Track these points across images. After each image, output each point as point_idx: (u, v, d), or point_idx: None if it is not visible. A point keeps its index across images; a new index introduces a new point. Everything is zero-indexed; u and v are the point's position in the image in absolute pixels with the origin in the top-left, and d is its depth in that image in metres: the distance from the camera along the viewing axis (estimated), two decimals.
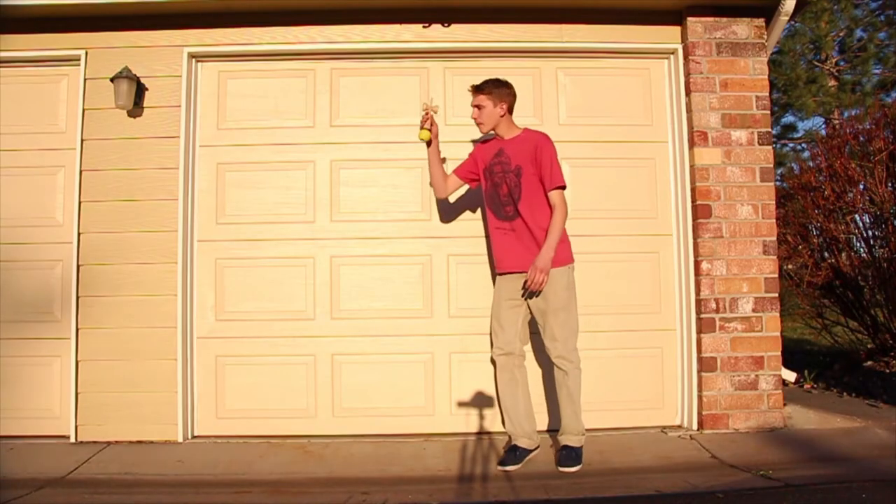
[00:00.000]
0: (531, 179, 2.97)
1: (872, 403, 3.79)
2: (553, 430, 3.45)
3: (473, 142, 3.51)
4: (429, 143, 3.15)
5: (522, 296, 3.00)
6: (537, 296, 2.96)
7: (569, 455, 2.95)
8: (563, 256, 2.98)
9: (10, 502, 2.60)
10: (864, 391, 4.06)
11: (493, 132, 3.13)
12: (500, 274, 3.11)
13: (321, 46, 3.63)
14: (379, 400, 3.57)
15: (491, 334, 3.18)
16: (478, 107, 3.05)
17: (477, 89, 3.05)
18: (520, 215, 2.99)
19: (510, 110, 3.07)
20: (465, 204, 3.67)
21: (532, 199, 2.97)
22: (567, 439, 2.99)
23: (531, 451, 3.05)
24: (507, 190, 3.03)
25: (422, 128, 3.08)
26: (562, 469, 2.92)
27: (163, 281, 3.47)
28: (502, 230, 3.06)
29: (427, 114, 3.10)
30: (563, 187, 2.95)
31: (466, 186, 3.39)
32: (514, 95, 3.08)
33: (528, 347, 3.30)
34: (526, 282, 2.88)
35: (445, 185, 3.26)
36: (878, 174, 4.46)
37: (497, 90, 3.02)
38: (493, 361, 3.16)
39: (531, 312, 3.04)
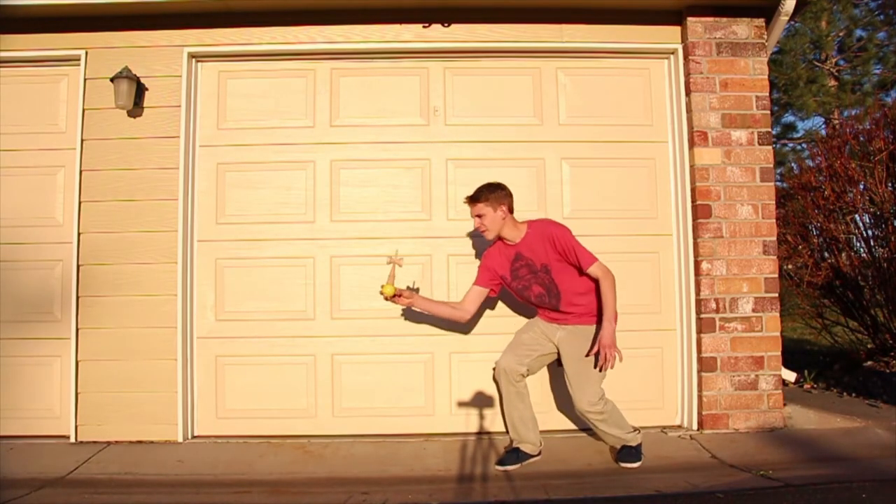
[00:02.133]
0: (561, 268, 2.96)
1: (872, 403, 3.79)
2: (554, 430, 3.45)
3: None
4: (392, 298, 3.01)
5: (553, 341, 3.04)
6: (569, 340, 2.98)
7: (628, 452, 2.99)
8: (595, 317, 2.99)
9: (9, 502, 2.60)
10: (864, 391, 4.06)
11: (500, 238, 3.05)
12: (540, 318, 3.14)
13: (321, 46, 3.63)
14: (379, 400, 3.57)
15: (507, 348, 3.13)
16: (479, 216, 2.99)
17: (473, 199, 2.99)
18: (561, 303, 3.00)
19: (510, 210, 3.02)
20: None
21: (569, 285, 2.97)
22: (623, 443, 3.02)
23: (533, 456, 3.04)
24: (541, 290, 3.01)
25: (387, 283, 2.98)
26: (621, 464, 2.97)
27: (163, 281, 3.47)
28: (545, 312, 3.10)
29: (392, 268, 3.02)
30: (596, 261, 2.92)
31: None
32: (510, 195, 3.02)
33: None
34: (597, 360, 2.87)
35: (462, 307, 3.13)
36: (878, 174, 4.46)
37: (493, 195, 2.96)
38: (495, 371, 3.13)
39: (559, 358, 3.05)
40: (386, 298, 3.02)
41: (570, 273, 2.97)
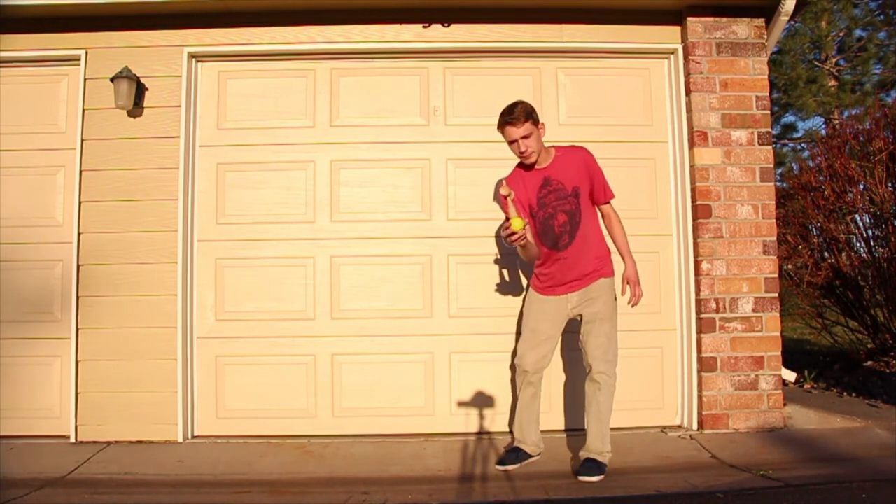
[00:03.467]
0: (587, 199, 2.89)
1: (872, 403, 3.79)
2: (554, 430, 3.45)
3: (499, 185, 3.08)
4: (523, 228, 2.69)
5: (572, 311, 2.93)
6: (587, 302, 2.89)
7: (591, 466, 2.81)
8: (609, 267, 2.95)
9: (10, 502, 2.60)
10: (864, 391, 4.06)
11: (528, 161, 2.85)
12: (546, 296, 2.96)
13: (321, 46, 3.63)
14: (379, 400, 3.57)
15: (518, 346, 3.02)
16: (525, 137, 2.74)
17: (514, 120, 2.73)
18: (573, 242, 2.86)
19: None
20: (466, 203, 3.67)
21: (588, 220, 2.89)
22: (592, 455, 2.85)
23: (533, 456, 3.04)
24: (564, 219, 2.86)
25: (514, 216, 2.68)
26: (581, 478, 2.76)
27: (163, 281, 3.47)
28: (553, 260, 2.89)
29: (508, 202, 2.73)
30: (613, 196, 2.94)
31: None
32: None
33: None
34: (629, 300, 2.89)
35: (537, 244, 2.91)
36: (878, 174, 4.46)
37: (533, 114, 2.77)
38: (513, 370, 3.09)
39: (581, 319, 2.92)
40: (520, 230, 2.64)
41: (590, 209, 2.92)
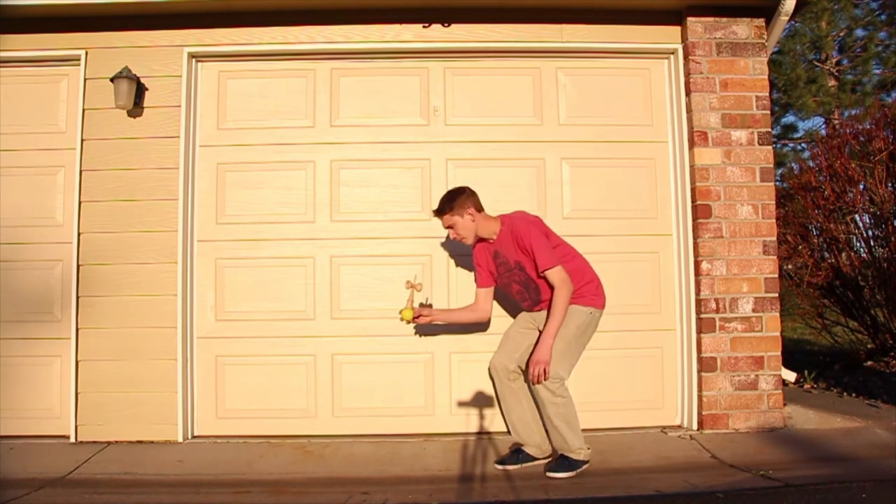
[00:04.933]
0: (533, 266, 2.90)
1: (872, 403, 3.79)
2: None
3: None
4: (412, 320, 3.06)
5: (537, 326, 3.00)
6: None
7: (560, 463, 2.87)
8: (586, 299, 2.92)
9: (9, 502, 2.60)
10: (864, 391, 4.06)
11: (481, 238, 3.05)
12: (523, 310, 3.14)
13: (321, 46, 3.63)
14: (379, 400, 3.56)
15: (497, 347, 3.15)
16: (450, 227, 3.00)
17: (439, 213, 2.98)
18: (538, 304, 2.98)
19: (479, 209, 2.99)
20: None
21: (545, 282, 2.89)
22: (564, 453, 2.90)
23: (537, 458, 3.00)
24: (519, 287, 3.01)
25: (405, 308, 3.03)
26: (548, 473, 2.84)
27: (163, 281, 3.47)
28: (531, 310, 3.07)
29: (411, 293, 3.06)
30: (554, 266, 2.82)
31: None
32: (472, 195, 3.00)
33: None
34: (528, 365, 2.84)
35: (478, 308, 3.15)
36: (878, 174, 4.47)
37: (456, 202, 2.94)
38: (489, 371, 3.15)
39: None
40: (407, 323, 3.07)
41: None
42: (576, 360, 2.93)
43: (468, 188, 3.05)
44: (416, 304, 3.12)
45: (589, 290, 2.96)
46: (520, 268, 2.95)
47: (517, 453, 3.02)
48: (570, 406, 2.87)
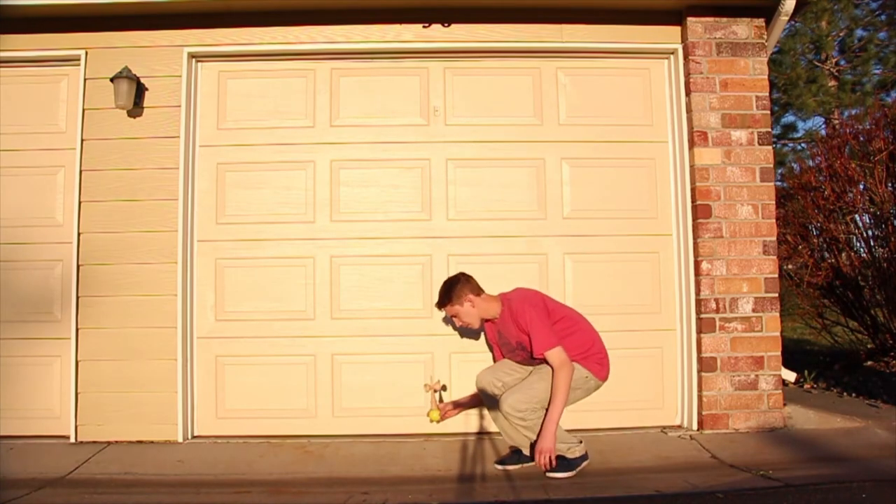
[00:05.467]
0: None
1: (872, 403, 3.79)
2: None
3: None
4: (441, 420, 3.18)
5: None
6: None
7: (559, 463, 2.83)
8: (588, 362, 2.94)
9: (9, 502, 2.60)
10: (864, 391, 4.06)
11: (486, 319, 3.11)
12: None
13: (321, 46, 3.63)
14: (379, 400, 3.56)
15: (490, 367, 3.21)
16: (454, 317, 3.08)
17: (440, 305, 3.07)
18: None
19: (477, 293, 3.03)
20: (466, 203, 3.67)
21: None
22: (559, 453, 2.86)
23: (532, 459, 2.96)
24: (526, 364, 3.05)
25: (432, 409, 3.15)
26: (548, 474, 2.82)
27: (163, 281, 3.47)
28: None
29: (432, 394, 3.19)
30: (553, 348, 2.82)
31: None
32: (468, 281, 3.05)
33: None
34: (534, 453, 2.82)
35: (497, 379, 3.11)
36: (878, 174, 4.47)
37: (453, 293, 3.00)
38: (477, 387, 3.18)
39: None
40: (437, 423, 3.17)
41: None
42: (544, 405, 2.85)
43: (462, 275, 3.09)
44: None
45: (593, 358, 2.97)
46: (521, 347, 2.99)
47: (518, 454, 3.01)
48: (537, 421, 2.84)
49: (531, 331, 2.86)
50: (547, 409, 2.81)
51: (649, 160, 3.71)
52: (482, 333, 3.52)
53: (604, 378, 3.01)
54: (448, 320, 3.44)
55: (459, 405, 3.32)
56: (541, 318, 2.89)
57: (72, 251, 3.48)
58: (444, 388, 3.42)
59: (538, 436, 2.81)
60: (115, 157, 3.52)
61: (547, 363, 2.87)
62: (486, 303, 3.05)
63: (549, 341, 2.84)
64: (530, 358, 2.97)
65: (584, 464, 2.88)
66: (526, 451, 2.96)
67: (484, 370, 3.14)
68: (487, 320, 3.13)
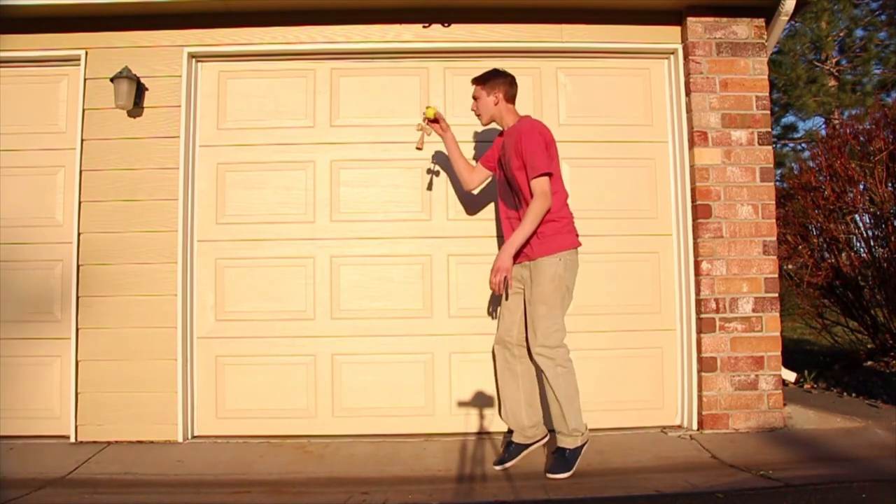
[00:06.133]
0: (522, 170, 2.86)
1: (872, 403, 3.79)
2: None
3: (476, 136, 3.51)
4: (433, 121, 3.14)
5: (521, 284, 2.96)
6: (528, 284, 2.87)
7: (557, 461, 2.85)
8: (554, 244, 2.84)
9: (9, 502, 2.60)
10: (864, 391, 4.06)
11: (496, 124, 3.10)
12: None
13: (321, 46, 3.63)
14: (379, 400, 3.57)
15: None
16: (475, 98, 3.06)
17: (474, 80, 3.06)
18: (521, 207, 2.92)
19: (508, 99, 3.01)
20: (465, 203, 3.67)
21: (529, 190, 2.84)
22: (560, 440, 2.86)
23: (525, 445, 2.99)
24: (515, 183, 2.96)
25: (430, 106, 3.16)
26: (547, 475, 2.82)
27: (163, 281, 3.47)
28: (509, 220, 3.01)
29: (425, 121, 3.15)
30: (545, 175, 2.78)
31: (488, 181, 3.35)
32: (509, 84, 3.01)
33: None
34: (491, 274, 2.77)
35: (471, 176, 3.23)
36: (878, 174, 4.47)
37: (491, 80, 3.00)
38: (493, 351, 3.14)
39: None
40: (424, 119, 3.14)
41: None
42: (564, 312, 2.86)
43: (511, 76, 3.05)
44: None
45: (562, 227, 2.87)
46: (509, 166, 2.94)
47: (508, 447, 3.01)
48: (570, 378, 2.81)
49: (532, 154, 2.78)
50: (511, 235, 2.81)
51: (649, 160, 3.71)
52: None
53: (577, 243, 2.93)
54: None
55: (448, 135, 3.20)
56: (542, 145, 2.83)
57: (72, 251, 3.48)
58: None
59: (496, 257, 2.79)
60: (115, 157, 3.52)
61: (525, 200, 2.86)
62: (507, 112, 3.02)
63: (542, 166, 2.78)
64: (512, 182, 2.92)
65: (584, 448, 2.87)
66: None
67: (498, 331, 3.08)
68: (499, 134, 3.12)
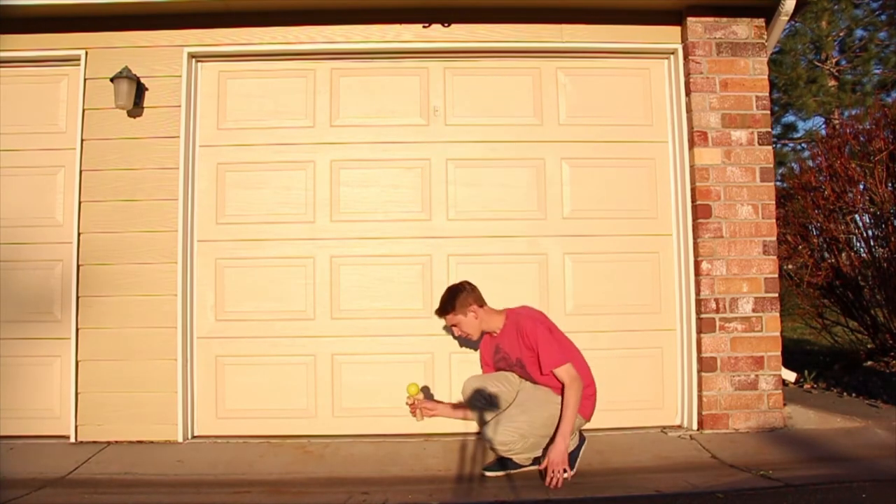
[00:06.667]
0: (535, 367, 2.85)
1: (872, 403, 3.79)
2: None
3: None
4: (415, 402, 3.07)
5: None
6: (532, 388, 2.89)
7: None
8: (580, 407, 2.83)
9: (9, 502, 2.60)
10: (864, 391, 4.06)
11: (485, 332, 3.05)
12: None
13: (321, 46, 3.63)
14: (379, 400, 3.56)
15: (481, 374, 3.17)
16: (454, 326, 2.99)
17: (441, 312, 2.98)
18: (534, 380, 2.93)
19: (481, 304, 2.98)
20: (466, 203, 3.67)
21: (546, 381, 2.85)
22: None
23: (524, 466, 2.90)
24: (523, 373, 2.98)
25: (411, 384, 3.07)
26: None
27: (163, 281, 3.47)
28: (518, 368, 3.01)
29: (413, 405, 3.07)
30: (563, 364, 2.78)
31: None
32: (473, 291, 2.98)
33: None
34: (545, 480, 2.71)
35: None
36: (878, 174, 4.47)
37: (457, 301, 2.93)
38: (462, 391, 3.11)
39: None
40: (410, 397, 3.04)
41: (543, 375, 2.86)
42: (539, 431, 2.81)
43: (467, 284, 3.01)
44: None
45: (585, 392, 2.85)
46: (520, 365, 2.95)
47: (504, 459, 2.90)
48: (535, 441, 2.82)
49: (539, 346, 2.79)
50: (558, 425, 2.74)
51: (649, 160, 3.71)
52: None
53: (588, 416, 2.94)
54: (448, 329, 3.33)
55: (439, 408, 3.16)
56: (549, 335, 2.84)
57: (72, 251, 3.48)
58: (425, 389, 3.32)
59: (549, 446, 2.75)
60: (115, 157, 3.52)
61: (541, 383, 2.86)
62: (489, 315, 2.99)
63: (559, 357, 2.79)
64: (529, 375, 2.93)
65: (582, 448, 2.89)
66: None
67: (474, 377, 3.08)
68: (486, 333, 3.08)
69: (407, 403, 3.08)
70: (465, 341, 3.56)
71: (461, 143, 3.67)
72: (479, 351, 3.23)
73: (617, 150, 3.70)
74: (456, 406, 3.20)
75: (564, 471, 2.71)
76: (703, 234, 3.50)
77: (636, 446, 3.27)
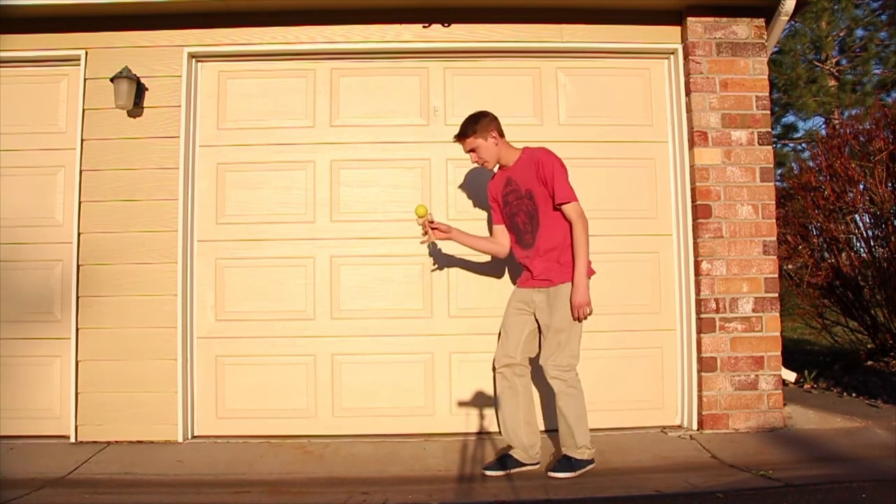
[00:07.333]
0: (544, 199, 2.87)
1: (872, 403, 3.79)
2: (552, 430, 3.45)
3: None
4: (427, 223, 3.01)
5: (530, 307, 2.95)
6: (544, 309, 2.88)
7: (561, 463, 2.86)
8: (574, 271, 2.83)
9: (9, 502, 2.60)
10: (864, 391, 4.06)
11: (498, 164, 3.05)
12: (517, 287, 3.07)
13: (321, 46, 3.63)
14: (379, 400, 3.57)
15: (498, 339, 3.13)
16: (472, 151, 2.97)
17: (461, 136, 2.96)
18: (535, 242, 2.92)
19: (501, 134, 2.98)
20: (466, 203, 3.67)
21: (550, 222, 2.88)
22: (567, 451, 2.87)
23: (526, 464, 2.93)
24: (524, 218, 2.96)
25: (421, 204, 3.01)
26: (549, 473, 2.84)
27: (163, 281, 3.47)
28: (528, 258, 2.97)
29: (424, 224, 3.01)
30: (573, 201, 2.82)
31: None
32: (495, 119, 2.98)
33: None
34: (571, 310, 2.78)
35: (498, 245, 3.13)
36: (878, 174, 4.47)
37: (479, 125, 2.92)
38: (493, 369, 3.09)
39: (539, 325, 2.94)
40: (419, 219, 2.97)
41: (551, 208, 2.88)
42: (580, 340, 2.87)
43: (490, 112, 3.01)
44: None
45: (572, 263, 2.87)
46: (529, 196, 2.91)
47: (505, 459, 2.94)
48: (580, 399, 2.84)
49: (556, 178, 2.82)
50: (574, 266, 2.80)
51: (649, 160, 3.71)
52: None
53: (593, 272, 2.93)
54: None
55: (452, 232, 3.08)
56: (565, 173, 2.87)
57: (72, 251, 3.48)
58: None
59: (572, 294, 2.79)
60: (115, 157, 3.52)
61: (543, 223, 2.88)
62: (507, 147, 2.99)
63: (571, 193, 2.83)
64: (532, 213, 2.91)
65: (589, 467, 2.86)
66: (519, 453, 2.95)
67: (499, 349, 3.04)
68: (501, 166, 3.04)
69: (419, 224, 3.01)
70: (465, 340, 3.56)
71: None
72: (488, 192, 3.15)
73: (617, 150, 3.70)
74: (473, 236, 3.20)
75: (586, 315, 2.79)
76: (703, 234, 3.50)
77: (636, 446, 3.28)
